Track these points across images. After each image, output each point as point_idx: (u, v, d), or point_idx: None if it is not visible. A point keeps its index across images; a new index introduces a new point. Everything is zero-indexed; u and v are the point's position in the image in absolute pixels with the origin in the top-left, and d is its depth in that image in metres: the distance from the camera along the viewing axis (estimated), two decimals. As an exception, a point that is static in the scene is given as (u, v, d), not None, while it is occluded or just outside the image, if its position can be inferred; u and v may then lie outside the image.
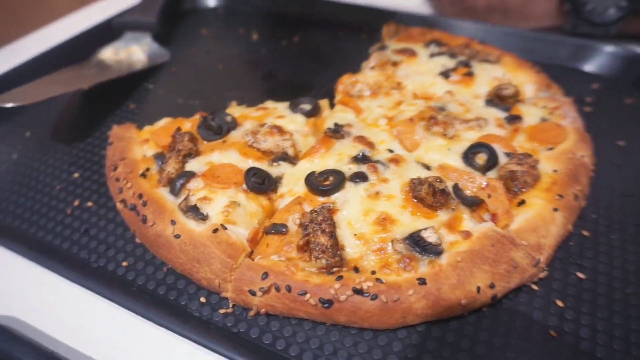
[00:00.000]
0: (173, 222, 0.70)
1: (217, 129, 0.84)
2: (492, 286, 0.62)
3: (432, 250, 0.64)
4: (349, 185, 0.73)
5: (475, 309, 0.63)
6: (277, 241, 0.68)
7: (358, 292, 0.60)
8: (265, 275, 0.63)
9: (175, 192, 0.75)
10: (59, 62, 1.07)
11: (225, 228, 0.69)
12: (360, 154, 0.78)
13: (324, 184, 0.73)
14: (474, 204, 0.71)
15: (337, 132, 0.82)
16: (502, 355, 0.59)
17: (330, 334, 0.62)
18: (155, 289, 0.69)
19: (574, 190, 0.74)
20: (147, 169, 0.80)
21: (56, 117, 1.03)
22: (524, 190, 0.73)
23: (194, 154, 0.80)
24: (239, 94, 1.08)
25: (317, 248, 0.64)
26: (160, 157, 0.82)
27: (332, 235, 0.65)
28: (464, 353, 0.60)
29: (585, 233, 0.74)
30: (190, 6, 1.45)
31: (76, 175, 0.88)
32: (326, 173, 0.75)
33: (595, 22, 1.17)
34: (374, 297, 0.60)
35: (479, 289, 0.62)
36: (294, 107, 0.91)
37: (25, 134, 0.98)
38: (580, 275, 0.68)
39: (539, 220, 0.69)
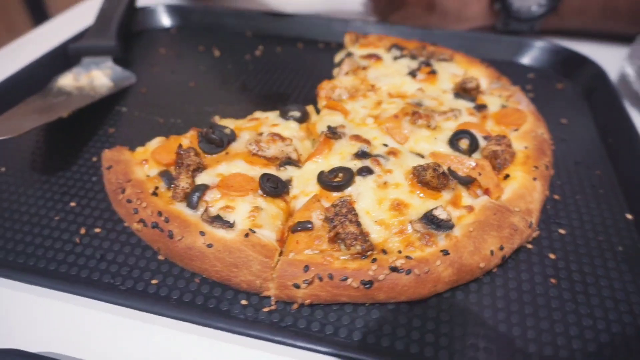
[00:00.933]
0: (202, 233, 0.72)
1: (219, 142, 0.87)
2: (501, 248, 0.72)
3: (446, 225, 0.73)
4: (358, 179, 0.80)
5: (489, 270, 0.73)
6: (306, 237, 0.73)
7: (394, 269, 0.67)
8: (307, 268, 0.68)
9: (193, 206, 0.77)
10: (12, 93, 1.03)
11: (254, 232, 0.73)
12: (360, 151, 0.85)
13: (335, 180, 0.80)
14: (469, 182, 0.81)
15: (334, 133, 0.88)
16: (520, 307, 0.69)
17: (371, 313, 0.69)
18: (192, 300, 0.70)
19: (544, 161, 0.87)
20: (156, 188, 0.81)
21: (30, 149, 0.99)
22: (505, 166, 0.85)
23: (201, 167, 0.82)
24: (218, 109, 1.11)
25: (349, 237, 0.70)
26: (166, 175, 0.83)
27: (359, 223, 0.72)
28: (488, 309, 0.69)
29: (556, 197, 0.87)
30: (143, 27, 1.44)
31: (73, 204, 0.85)
32: (335, 171, 0.81)
33: (522, 19, 1.36)
34: (408, 272, 0.67)
35: (492, 252, 0.71)
36: (284, 115, 0.97)
37: (-1, 170, 0.93)
38: (562, 231, 0.81)
39: (523, 189, 0.81)
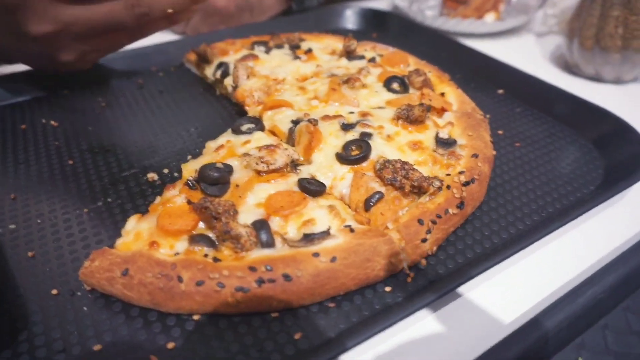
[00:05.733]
0: (316, 255, 0.65)
1: (224, 179, 0.76)
2: (492, 135, 0.92)
3: (452, 140, 0.87)
4: (370, 143, 0.84)
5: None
6: (386, 205, 0.75)
7: (466, 184, 0.78)
8: (420, 221, 0.71)
9: (270, 244, 0.67)
10: None
11: (350, 225, 0.70)
12: (342, 124, 0.89)
13: (356, 154, 0.82)
14: (429, 108, 0.96)
15: (315, 120, 0.88)
16: (520, 166, 0.91)
17: (466, 229, 0.78)
18: (346, 323, 0.63)
19: (448, 76, 1.10)
20: (206, 255, 0.66)
21: None
22: (433, 88, 1.04)
23: (235, 209, 0.71)
24: (141, 169, 0.91)
25: (421, 181, 0.75)
26: (202, 239, 0.68)
27: (415, 169, 0.78)
28: (514, 179, 0.88)
29: (461, 98, 1.13)
30: None
31: (97, 347, 0.60)
32: (347, 148, 0.83)
33: (312, -3, 1.57)
34: (473, 180, 0.79)
35: (490, 141, 0.90)
36: (239, 131, 0.89)
37: None
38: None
39: (459, 97, 1.02)
